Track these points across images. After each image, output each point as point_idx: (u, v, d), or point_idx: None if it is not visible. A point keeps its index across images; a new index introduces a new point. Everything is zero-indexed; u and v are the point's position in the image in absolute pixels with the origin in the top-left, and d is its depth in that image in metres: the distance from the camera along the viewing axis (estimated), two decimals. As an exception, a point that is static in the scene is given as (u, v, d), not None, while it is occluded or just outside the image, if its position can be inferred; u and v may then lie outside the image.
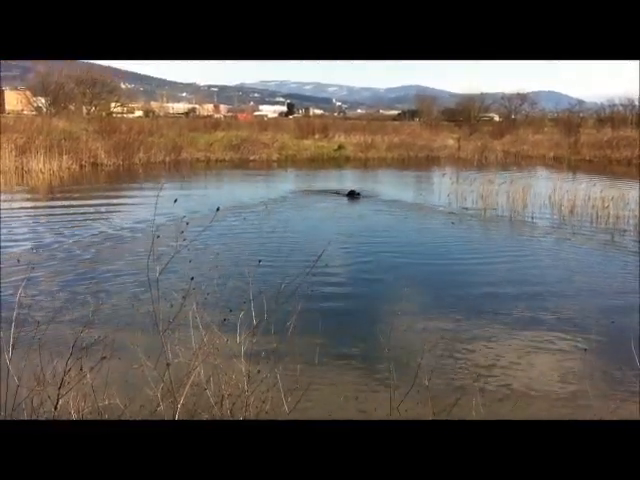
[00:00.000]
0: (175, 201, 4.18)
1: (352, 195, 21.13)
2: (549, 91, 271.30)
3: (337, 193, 22.18)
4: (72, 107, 49.14)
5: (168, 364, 4.03)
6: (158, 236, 3.72)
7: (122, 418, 4.40)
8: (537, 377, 6.89)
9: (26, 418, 4.09)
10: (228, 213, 17.37)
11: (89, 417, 4.44)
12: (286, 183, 27.74)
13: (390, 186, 25.85)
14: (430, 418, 4.82)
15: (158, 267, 3.76)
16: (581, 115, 64.39)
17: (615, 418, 5.04)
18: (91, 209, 18.13)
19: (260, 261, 6.80)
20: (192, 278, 4.35)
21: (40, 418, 4.10)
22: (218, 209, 4.37)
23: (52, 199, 20.48)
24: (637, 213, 17.03)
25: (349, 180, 28.41)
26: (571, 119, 58.22)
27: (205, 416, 5.00)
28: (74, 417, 4.29)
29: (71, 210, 17.66)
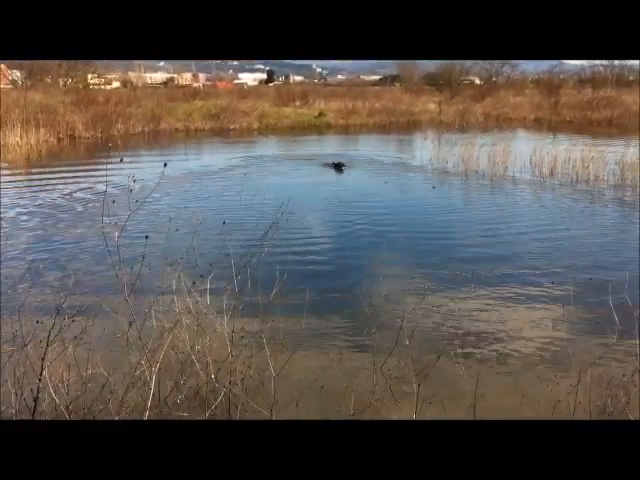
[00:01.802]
0: (134, 178, 4.17)
1: (337, 167, 20.71)
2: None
3: (323, 163, 21.69)
4: (48, 79, 47.91)
5: (130, 326, 4.09)
6: (113, 201, 3.83)
7: (105, 389, 4.42)
8: (517, 333, 7.01)
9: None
10: (204, 178, 17.85)
11: (74, 387, 4.46)
12: (267, 150, 27.49)
13: (371, 151, 25.70)
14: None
15: (117, 232, 3.86)
16: (561, 76, 64.33)
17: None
18: (65, 180, 17.83)
19: (224, 222, 6.84)
20: (147, 237, 4.45)
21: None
22: (165, 164, 4.52)
23: (29, 172, 20.18)
24: (617, 171, 17.31)
25: (330, 147, 28.23)
26: (552, 80, 58.23)
27: (191, 383, 5.05)
28: (60, 386, 4.31)
29: (47, 181, 17.42)
